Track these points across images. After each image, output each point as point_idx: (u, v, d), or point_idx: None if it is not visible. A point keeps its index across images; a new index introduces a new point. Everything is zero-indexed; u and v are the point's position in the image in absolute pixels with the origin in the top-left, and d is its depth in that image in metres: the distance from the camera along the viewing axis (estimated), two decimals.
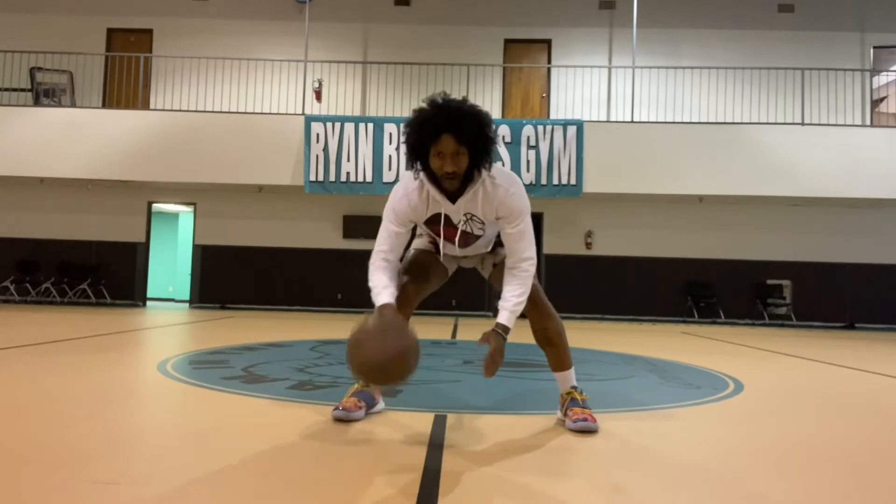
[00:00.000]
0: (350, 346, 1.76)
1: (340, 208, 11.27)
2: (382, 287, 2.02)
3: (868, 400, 3.16)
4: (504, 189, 2.04)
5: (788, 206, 11.03)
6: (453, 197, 2.05)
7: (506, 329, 2.00)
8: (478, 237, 2.18)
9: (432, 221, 2.14)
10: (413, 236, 2.37)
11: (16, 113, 10.40)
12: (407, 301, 2.21)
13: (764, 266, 11.17)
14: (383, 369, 1.75)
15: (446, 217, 2.09)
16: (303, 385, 2.98)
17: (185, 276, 12.57)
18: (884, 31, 11.61)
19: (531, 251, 2.07)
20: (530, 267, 2.07)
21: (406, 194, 2.09)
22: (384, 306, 1.97)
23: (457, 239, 2.17)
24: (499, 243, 2.28)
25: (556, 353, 2.27)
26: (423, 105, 1.94)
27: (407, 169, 2.05)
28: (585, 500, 1.48)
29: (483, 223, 2.11)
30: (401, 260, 2.21)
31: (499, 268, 2.26)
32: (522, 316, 2.16)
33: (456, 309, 10.75)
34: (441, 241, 2.17)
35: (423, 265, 2.28)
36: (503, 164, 9.89)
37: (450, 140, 1.90)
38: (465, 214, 2.09)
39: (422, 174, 2.02)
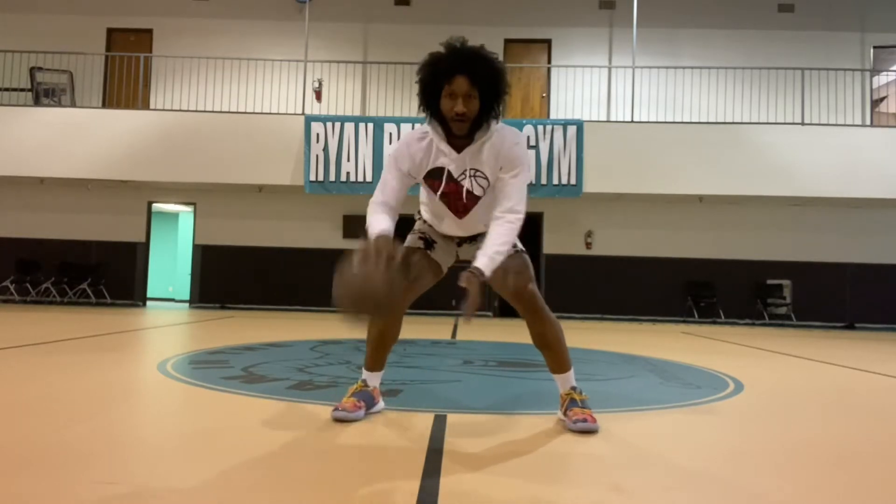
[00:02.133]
0: (339, 281, 1.73)
1: (340, 208, 11.27)
2: (377, 223, 1.96)
3: (868, 400, 3.15)
4: (510, 140, 2.04)
5: (788, 206, 11.03)
6: (460, 147, 2.02)
7: (482, 273, 1.90)
8: (477, 198, 2.12)
9: (433, 176, 2.10)
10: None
11: (16, 113, 10.40)
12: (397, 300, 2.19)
13: (764, 266, 11.17)
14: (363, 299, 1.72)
15: (448, 172, 2.06)
16: (303, 385, 2.98)
17: (185, 276, 12.57)
18: (884, 31, 11.61)
19: (522, 206, 2.03)
20: (517, 220, 2.02)
21: (407, 143, 2.07)
22: (379, 236, 1.89)
23: (464, 194, 2.09)
24: None
25: (555, 356, 2.25)
26: (440, 48, 1.93)
27: (419, 112, 2.02)
28: (585, 500, 1.48)
29: (486, 180, 2.07)
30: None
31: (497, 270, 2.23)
32: (514, 314, 2.12)
33: (456, 309, 10.75)
34: (442, 187, 2.09)
35: (413, 263, 2.23)
36: None
37: (463, 81, 1.89)
38: (468, 170, 2.06)
39: (430, 121, 2.01)
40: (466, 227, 2.24)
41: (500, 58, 1.99)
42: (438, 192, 2.11)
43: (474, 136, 2.01)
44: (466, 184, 2.08)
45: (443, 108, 1.95)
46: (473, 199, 2.13)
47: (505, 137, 2.04)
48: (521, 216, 2.03)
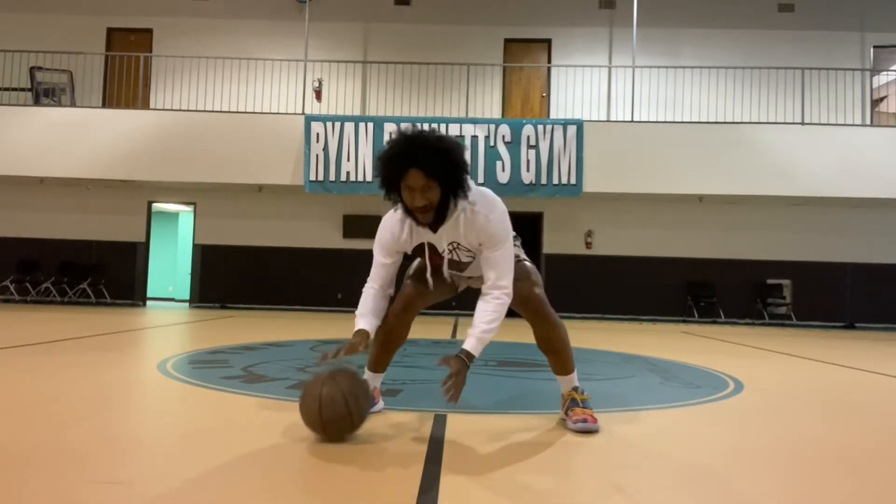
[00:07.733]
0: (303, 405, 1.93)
1: (340, 208, 11.27)
2: (360, 315, 2.11)
3: (868, 400, 3.15)
4: (483, 216, 2.00)
5: (788, 206, 11.03)
6: (434, 226, 2.03)
7: (470, 357, 1.94)
8: (468, 263, 2.17)
9: (419, 251, 2.14)
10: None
11: (16, 113, 10.40)
12: (410, 305, 2.22)
13: (764, 266, 11.17)
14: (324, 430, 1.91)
15: (432, 246, 2.09)
16: (303, 385, 2.97)
17: (185, 276, 12.57)
18: (884, 31, 11.61)
19: (507, 280, 2.03)
20: (505, 296, 2.03)
21: (390, 227, 2.10)
22: (357, 332, 2.06)
23: (444, 268, 2.16)
24: None
25: (559, 360, 2.26)
26: (393, 137, 1.93)
27: (384, 199, 2.01)
28: (585, 500, 1.48)
29: (469, 250, 2.10)
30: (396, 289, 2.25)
31: None
32: (516, 315, 2.14)
33: (456, 309, 10.75)
34: (429, 270, 2.16)
35: (426, 277, 2.25)
36: (502, 166, 9.91)
37: (418, 174, 1.87)
38: (450, 244, 2.08)
39: (400, 207, 2.01)
40: (471, 275, 2.29)
41: (453, 137, 1.99)
42: (426, 264, 2.17)
43: (444, 216, 2.00)
44: (451, 256, 2.13)
45: (404, 200, 1.95)
46: (465, 264, 2.18)
47: (477, 214, 2.00)
48: (509, 290, 2.04)
